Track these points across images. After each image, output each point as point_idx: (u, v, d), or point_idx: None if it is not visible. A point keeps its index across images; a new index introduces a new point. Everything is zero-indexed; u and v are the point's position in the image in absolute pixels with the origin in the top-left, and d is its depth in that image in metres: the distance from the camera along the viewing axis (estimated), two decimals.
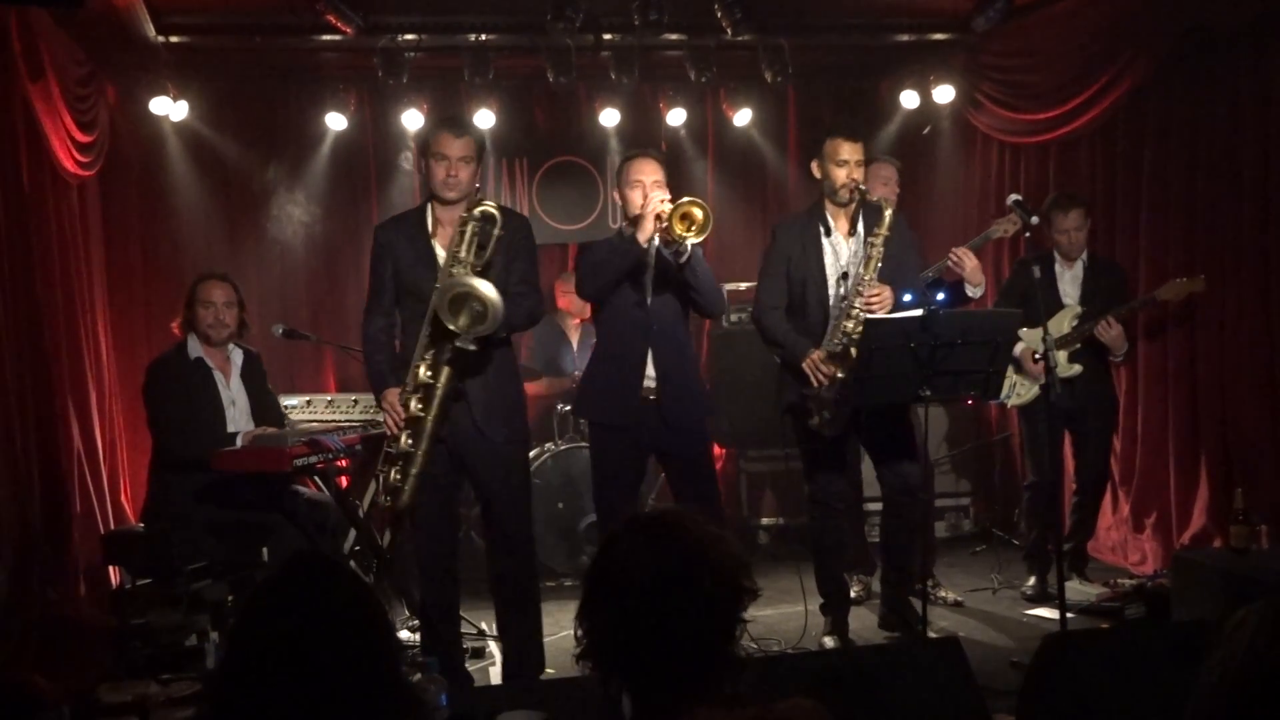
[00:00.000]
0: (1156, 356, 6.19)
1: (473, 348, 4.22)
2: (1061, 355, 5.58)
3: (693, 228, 4.48)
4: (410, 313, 4.48)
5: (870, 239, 4.81)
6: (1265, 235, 5.51)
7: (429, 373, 4.33)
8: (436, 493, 4.48)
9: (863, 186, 4.87)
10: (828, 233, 4.94)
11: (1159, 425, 6.18)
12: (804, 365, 4.76)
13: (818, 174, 5.02)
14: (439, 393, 4.32)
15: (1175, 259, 6.00)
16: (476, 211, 4.35)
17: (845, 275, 4.86)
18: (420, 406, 4.33)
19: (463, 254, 4.32)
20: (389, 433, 4.42)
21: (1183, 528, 6.01)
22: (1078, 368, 5.72)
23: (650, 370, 4.77)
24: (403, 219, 4.74)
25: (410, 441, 4.35)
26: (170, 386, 5.18)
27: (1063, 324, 5.67)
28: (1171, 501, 6.11)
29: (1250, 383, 5.63)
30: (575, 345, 7.46)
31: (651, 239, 4.57)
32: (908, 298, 4.68)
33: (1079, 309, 5.75)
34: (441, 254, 4.46)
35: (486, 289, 4.20)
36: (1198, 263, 5.86)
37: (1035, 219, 5.00)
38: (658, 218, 4.54)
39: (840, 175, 4.88)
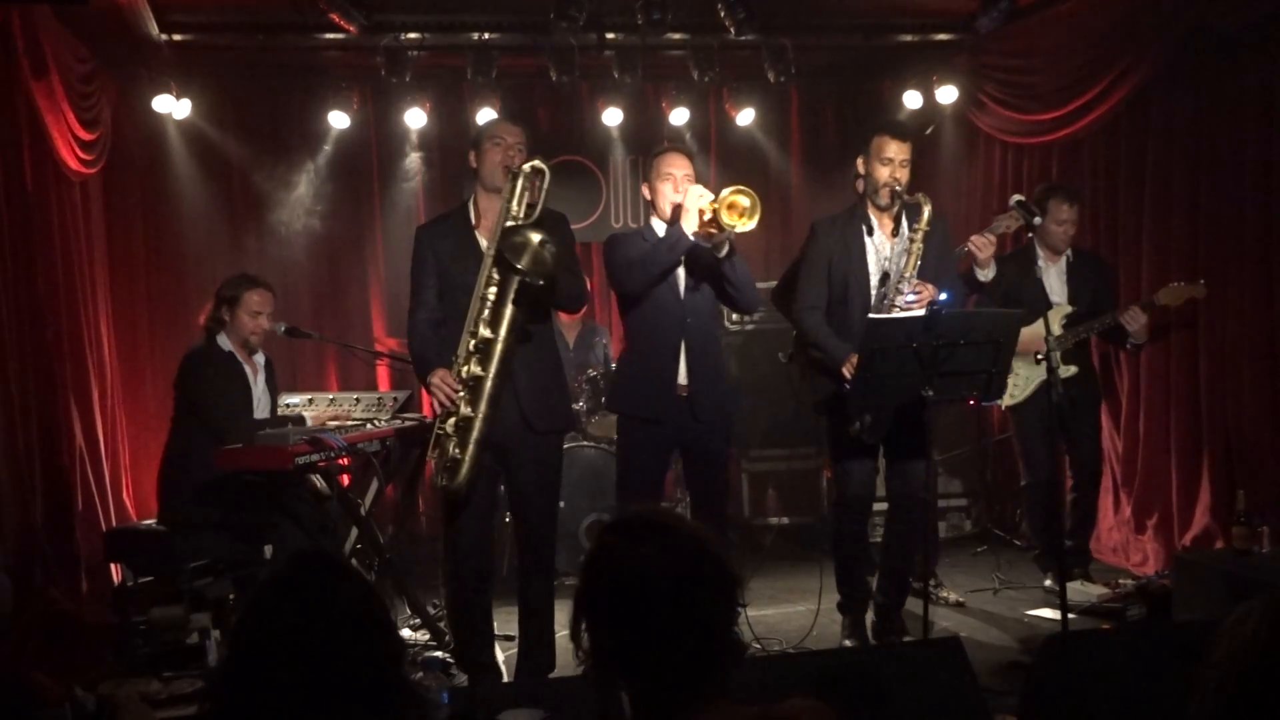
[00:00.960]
0: (1159, 357, 6.18)
1: (540, 284, 4.19)
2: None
3: (743, 215, 4.47)
4: (455, 307, 4.43)
5: (910, 235, 4.77)
6: (1268, 236, 5.51)
7: (488, 329, 4.27)
8: (479, 485, 4.42)
9: (898, 189, 4.80)
10: (870, 232, 4.89)
11: (1161, 426, 6.18)
12: (845, 369, 4.71)
13: (861, 170, 4.96)
14: (499, 347, 4.27)
15: (1178, 260, 6.00)
16: (527, 167, 4.34)
17: (885, 276, 4.82)
18: (479, 367, 4.28)
19: (514, 208, 4.31)
20: (439, 410, 4.35)
21: (1184, 529, 6.01)
22: (1073, 368, 5.73)
23: (683, 364, 4.76)
24: (444, 218, 4.76)
25: (469, 408, 4.28)
26: (209, 372, 5.20)
27: (1054, 324, 5.65)
28: (1173, 502, 6.10)
29: (1252, 384, 5.63)
30: (571, 344, 7.46)
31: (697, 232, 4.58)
32: (943, 296, 4.65)
33: (1068, 308, 5.76)
34: (486, 245, 4.46)
35: (544, 236, 4.23)
36: (1200, 264, 5.86)
37: (1038, 219, 4.99)
38: (700, 211, 4.54)
39: (883, 174, 4.81)
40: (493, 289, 4.30)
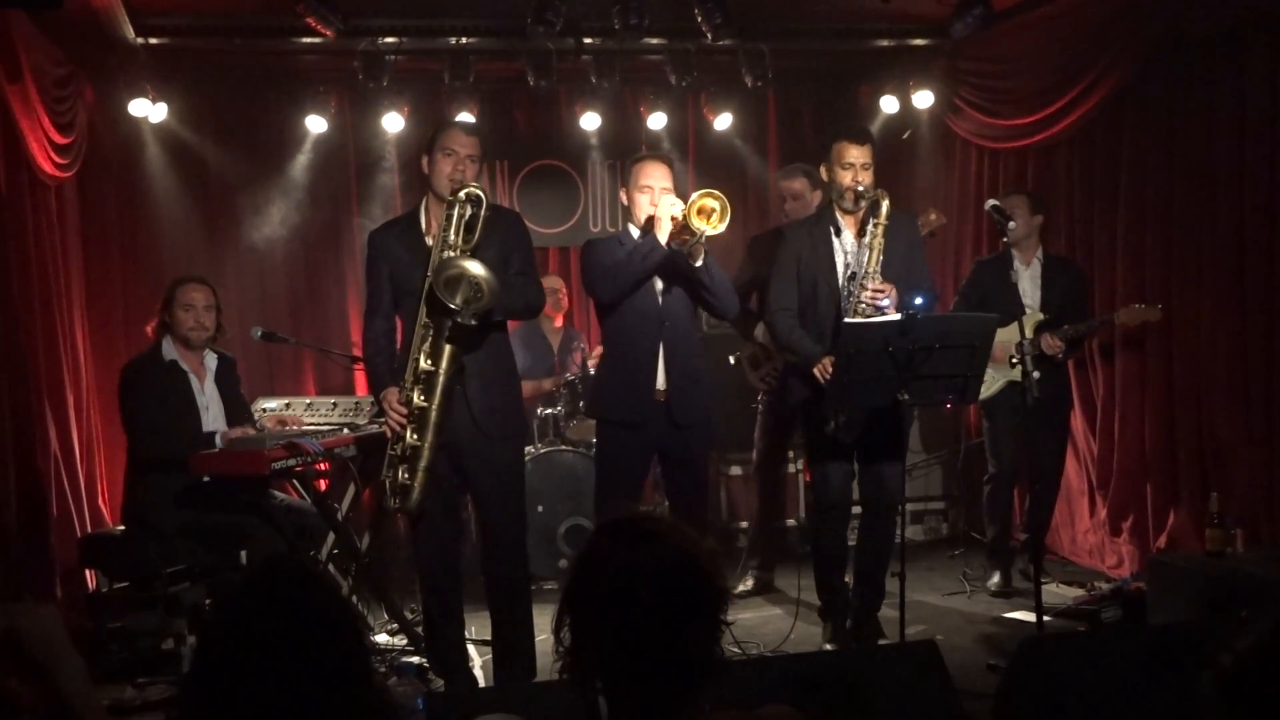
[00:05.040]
0: (1134, 361, 6.22)
1: (473, 323, 4.17)
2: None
3: (712, 218, 4.48)
4: (409, 314, 4.44)
5: (871, 230, 4.77)
6: (1241, 239, 5.55)
7: (429, 361, 4.27)
8: (438, 494, 4.43)
9: (860, 189, 4.81)
10: (838, 233, 4.92)
11: (1136, 429, 6.21)
12: (816, 370, 4.73)
13: (825, 178, 5.00)
14: (441, 380, 4.27)
15: (1152, 263, 6.04)
16: (462, 194, 4.30)
17: (853, 276, 4.84)
18: (423, 398, 4.28)
19: (451, 238, 4.29)
20: (390, 434, 4.38)
21: (1159, 531, 6.04)
22: (1036, 374, 5.78)
23: (661, 367, 4.77)
24: (395, 222, 4.75)
25: (415, 436, 4.30)
26: (145, 388, 5.15)
27: (1027, 329, 5.70)
28: (1148, 505, 6.14)
29: (1226, 386, 5.66)
30: (556, 348, 7.46)
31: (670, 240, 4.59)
32: (920, 300, 4.65)
33: (1040, 316, 5.81)
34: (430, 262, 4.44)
35: (478, 267, 4.19)
36: (1174, 266, 5.91)
37: (1013, 224, 5.02)
38: (673, 219, 4.55)
39: (846, 179, 4.84)
40: (430, 320, 4.31)
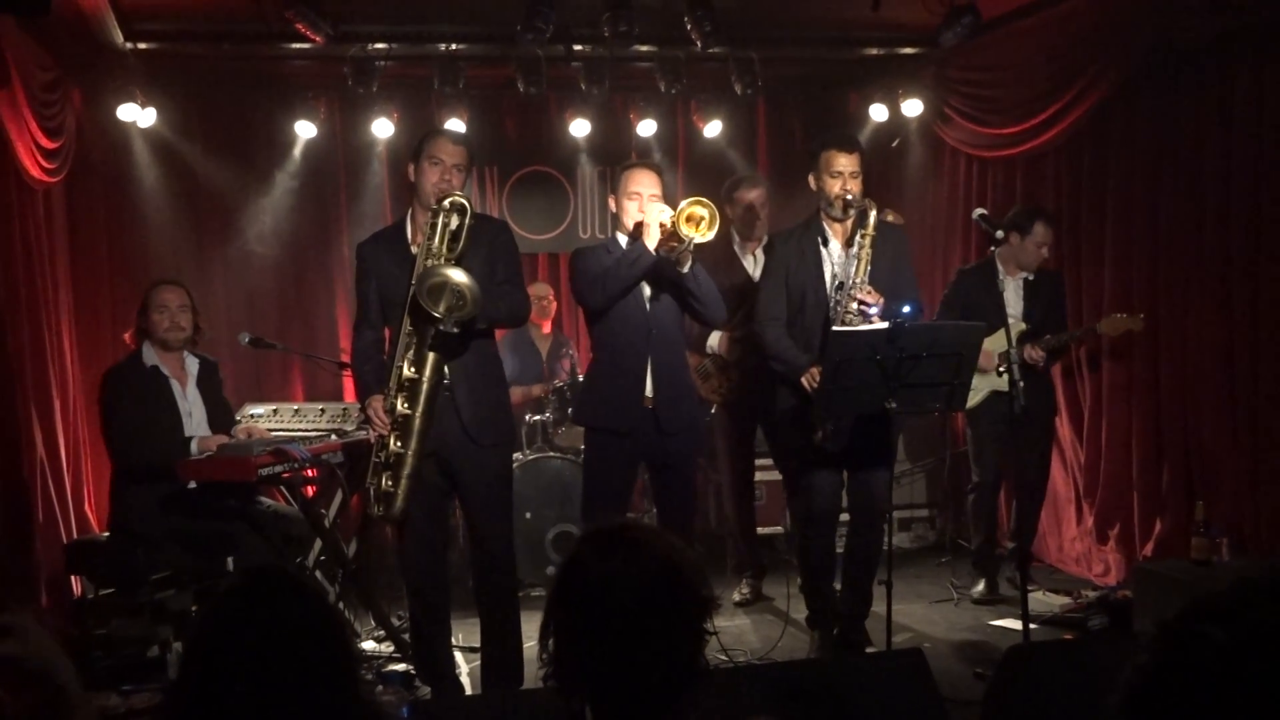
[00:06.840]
0: (1121, 369, 6.24)
1: (455, 330, 4.16)
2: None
3: (700, 225, 4.50)
4: (397, 324, 4.44)
5: (858, 240, 4.78)
6: (1226, 248, 5.57)
7: (412, 369, 4.28)
8: (426, 500, 4.44)
9: (849, 198, 4.81)
10: (825, 243, 4.92)
11: (1122, 437, 6.23)
12: (803, 380, 4.74)
13: (814, 186, 4.98)
14: (425, 388, 4.27)
15: (1139, 272, 6.07)
16: (446, 203, 4.30)
17: (840, 286, 4.85)
18: (407, 406, 4.28)
19: (435, 245, 4.29)
20: (374, 440, 4.39)
21: (1145, 539, 6.06)
22: (1021, 382, 5.81)
23: (649, 376, 4.78)
24: (383, 233, 4.75)
25: (399, 444, 4.30)
26: (125, 394, 5.14)
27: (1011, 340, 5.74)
28: (1134, 513, 6.16)
29: (1212, 396, 5.69)
30: (545, 355, 7.46)
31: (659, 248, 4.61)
32: (907, 309, 4.66)
33: (1022, 325, 5.84)
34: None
35: (461, 276, 4.18)
36: (1160, 275, 5.94)
37: (1001, 233, 5.02)
38: (661, 225, 4.57)
39: (834, 187, 4.84)
40: (414, 328, 4.31)
